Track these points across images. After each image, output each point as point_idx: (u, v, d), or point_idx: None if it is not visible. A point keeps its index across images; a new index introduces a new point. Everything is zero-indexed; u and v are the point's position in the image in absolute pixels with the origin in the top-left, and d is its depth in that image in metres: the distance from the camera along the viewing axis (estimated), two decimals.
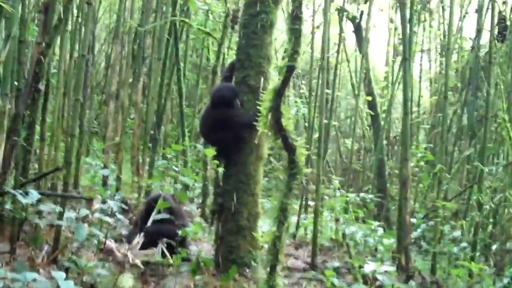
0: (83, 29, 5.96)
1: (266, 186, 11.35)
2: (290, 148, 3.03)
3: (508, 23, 6.21)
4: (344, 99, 16.02)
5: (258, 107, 4.92)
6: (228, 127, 4.91)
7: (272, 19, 5.12)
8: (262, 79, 5.06)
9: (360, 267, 5.03)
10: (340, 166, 12.51)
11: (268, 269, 3.35)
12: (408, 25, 6.30)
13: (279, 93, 2.88)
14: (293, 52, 2.83)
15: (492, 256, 6.19)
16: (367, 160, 12.15)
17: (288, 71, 2.83)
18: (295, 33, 2.82)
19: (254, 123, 4.44)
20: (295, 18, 2.81)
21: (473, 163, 7.13)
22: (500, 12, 6.10)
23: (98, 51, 11.98)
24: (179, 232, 4.60)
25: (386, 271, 4.46)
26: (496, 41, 6.00)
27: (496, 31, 5.96)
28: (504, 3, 6.88)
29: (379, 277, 4.24)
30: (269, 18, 5.08)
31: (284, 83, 2.86)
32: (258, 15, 5.03)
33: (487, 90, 6.08)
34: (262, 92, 5.01)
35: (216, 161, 4.80)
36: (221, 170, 4.73)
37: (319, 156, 6.04)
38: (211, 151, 4.53)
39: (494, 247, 6.05)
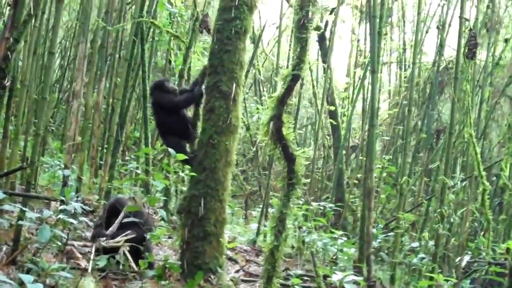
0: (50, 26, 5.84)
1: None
2: (290, 158, 3.01)
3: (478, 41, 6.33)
4: (304, 107, 16.08)
5: (229, 113, 4.97)
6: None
7: (246, 26, 5.11)
8: (234, 85, 5.04)
9: (326, 276, 5.05)
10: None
11: (265, 279, 3.29)
12: (377, 38, 6.37)
13: (282, 101, 2.86)
14: (298, 61, 2.82)
15: (455, 267, 6.28)
16: (325, 169, 12.21)
17: (293, 80, 2.82)
18: (301, 42, 2.81)
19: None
20: (301, 27, 2.79)
21: (431, 176, 7.24)
22: (471, 29, 6.20)
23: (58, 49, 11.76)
24: (147, 237, 4.52)
25: (353, 281, 4.47)
26: (466, 58, 6.09)
27: (466, 48, 6.04)
28: (466, 20, 6.98)
29: (347, 286, 4.24)
30: (244, 24, 5.06)
31: (288, 91, 2.84)
32: (233, 21, 5.01)
33: (452, 105, 6.18)
34: (233, 98, 5.03)
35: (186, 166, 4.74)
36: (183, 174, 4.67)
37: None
38: (182, 156, 4.47)
39: (458, 259, 6.14)
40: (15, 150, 5.49)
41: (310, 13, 2.82)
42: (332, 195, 9.74)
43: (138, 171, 6.87)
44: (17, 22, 4.79)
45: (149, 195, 7.48)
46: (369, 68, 6.59)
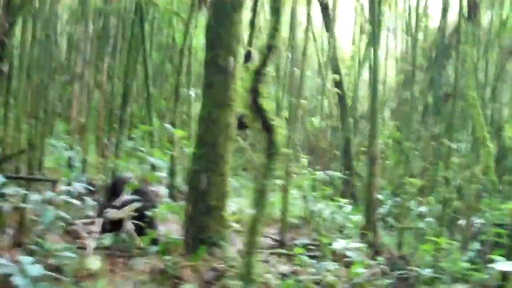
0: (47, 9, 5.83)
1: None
2: (268, 129, 3.00)
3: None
4: (312, 78, 16.01)
5: (228, 88, 4.95)
6: None
7: None
8: (231, 58, 5.01)
9: (329, 244, 5.07)
10: (307, 144, 12.51)
11: (246, 250, 3.30)
12: (376, 6, 6.32)
13: (258, 73, 2.84)
14: (273, 31, 2.80)
15: (459, 230, 6.28)
16: (333, 138, 12.18)
17: (268, 50, 2.80)
18: (274, 12, 2.79)
19: None
20: None
21: (438, 140, 7.20)
22: None
23: (60, 32, 11.72)
24: (149, 213, 4.56)
25: (356, 248, 4.50)
26: (467, 19, 6.00)
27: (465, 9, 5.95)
28: None
29: (349, 253, 4.27)
30: None
31: (264, 62, 2.82)
32: None
33: (456, 69, 6.11)
34: (231, 73, 5.00)
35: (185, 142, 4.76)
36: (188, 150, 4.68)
37: (287, 134, 6.03)
38: (180, 132, 4.48)
39: (460, 221, 6.13)
40: (16, 135, 5.52)
41: None
42: (340, 164, 9.76)
43: (143, 149, 6.90)
44: (12, 8, 4.81)
45: (150, 173, 7.55)
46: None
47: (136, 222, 4.71)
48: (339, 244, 4.33)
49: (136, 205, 4.76)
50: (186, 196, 5.11)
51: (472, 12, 5.92)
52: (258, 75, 2.86)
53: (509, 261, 4.30)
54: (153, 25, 9.06)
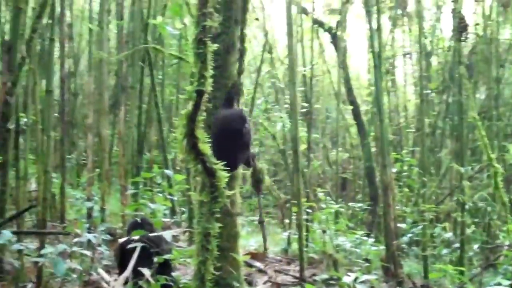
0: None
1: None
2: (209, 172, 3.00)
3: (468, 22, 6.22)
4: (334, 110, 16.06)
5: None
6: None
7: (234, 40, 5.13)
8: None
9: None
10: (332, 176, 12.47)
11: None
12: (376, 34, 6.34)
13: (191, 118, 2.86)
14: (200, 77, 2.82)
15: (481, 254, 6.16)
16: (358, 169, 12.13)
17: (198, 96, 2.82)
18: (200, 58, 2.81)
19: None
20: (199, 43, 2.80)
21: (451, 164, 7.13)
22: (458, 12, 6.11)
23: (80, 85, 11.97)
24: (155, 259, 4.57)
25: (367, 280, 4.44)
26: (457, 41, 6.00)
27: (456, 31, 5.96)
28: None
29: (358, 287, 4.21)
30: (231, 38, 5.08)
31: (196, 107, 2.84)
32: (220, 36, 5.04)
33: (459, 91, 6.09)
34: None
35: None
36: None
37: (297, 170, 6.02)
38: (179, 176, 4.51)
39: (475, 246, 6.02)
40: (23, 189, 5.62)
41: (208, 28, 2.81)
42: (364, 194, 9.69)
43: (160, 195, 6.96)
44: (12, 66, 4.94)
45: (175, 217, 7.60)
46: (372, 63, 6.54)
47: (142, 270, 4.71)
48: (348, 278, 4.27)
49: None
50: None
51: (462, 33, 5.90)
52: (191, 121, 2.87)
53: None
54: (164, 70, 9.20)
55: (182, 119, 2.89)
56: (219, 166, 3.00)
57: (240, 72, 4.97)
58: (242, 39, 4.96)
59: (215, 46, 2.91)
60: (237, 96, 4.98)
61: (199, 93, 2.83)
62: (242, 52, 4.99)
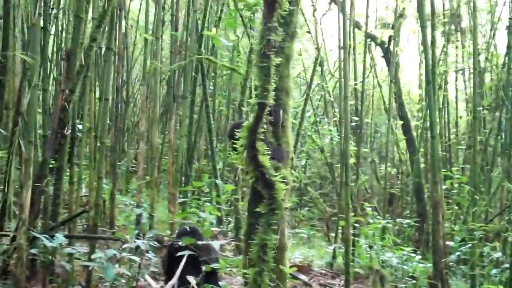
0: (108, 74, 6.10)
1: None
2: (268, 184, 3.03)
3: None
4: (383, 124, 15.96)
5: (279, 140, 5.02)
6: None
7: (289, 53, 5.15)
8: (281, 111, 5.08)
9: None
10: (380, 192, 12.38)
11: None
12: (430, 49, 6.30)
13: (253, 130, 2.90)
14: (262, 90, 2.86)
15: None
16: (406, 184, 12.01)
17: (260, 108, 2.86)
18: (263, 71, 2.86)
19: None
20: (262, 56, 2.85)
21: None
22: None
23: (132, 94, 12.21)
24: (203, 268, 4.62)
25: None
26: None
27: None
28: None
29: None
30: (285, 52, 5.11)
31: (257, 120, 2.88)
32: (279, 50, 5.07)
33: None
34: (282, 125, 5.06)
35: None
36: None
37: (346, 184, 6.01)
38: (229, 187, 4.56)
39: None
40: (75, 194, 5.75)
41: (272, 41, 2.85)
42: (412, 211, 9.58)
43: (208, 204, 7.04)
44: (71, 74, 5.08)
45: (221, 227, 7.67)
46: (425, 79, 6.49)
47: (190, 278, 4.76)
48: None
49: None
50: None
51: None
52: (252, 133, 2.91)
53: None
54: (216, 80, 9.32)
55: (244, 131, 2.94)
56: (278, 178, 3.04)
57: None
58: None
59: (278, 60, 2.96)
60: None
61: (261, 106, 2.87)
62: None
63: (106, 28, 6.31)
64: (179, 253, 4.67)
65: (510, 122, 9.38)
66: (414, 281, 6.35)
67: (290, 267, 5.56)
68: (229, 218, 8.31)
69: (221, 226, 7.64)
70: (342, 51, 6.56)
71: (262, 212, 3.16)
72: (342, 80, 6.74)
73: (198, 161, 9.04)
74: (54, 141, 4.99)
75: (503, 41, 11.33)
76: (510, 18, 6.39)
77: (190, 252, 4.65)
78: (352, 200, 7.84)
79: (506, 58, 9.05)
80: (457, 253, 7.16)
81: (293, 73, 5.57)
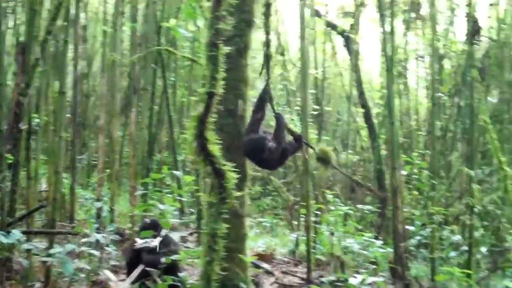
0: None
1: None
2: (218, 173, 3.04)
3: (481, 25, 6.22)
4: (345, 112, 16.07)
5: (238, 130, 5.02)
6: None
7: (247, 42, 5.15)
8: (240, 102, 5.08)
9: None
10: (342, 179, 12.47)
11: None
12: (389, 37, 6.36)
13: (202, 120, 2.90)
14: (211, 79, 2.86)
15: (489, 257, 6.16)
16: (368, 171, 12.13)
17: (209, 98, 2.86)
18: (212, 60, 2.86)
19: None
20: (211, 45, 2.84)
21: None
22: (471, 15, 6.10)
23: (92, 87, 12.07)
24: (163, 260, 4.61)
25: (374, 282, 4.47)
26: (472, 45, 6.00)
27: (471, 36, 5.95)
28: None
29: None
30: (243, 41, 5.11)
31: (206, 109, 2.88)
32: (232, 39, 5.06)
33: (471, 95, 6.09)
34: (241, 115, 5.07)
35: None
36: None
37: (306, 172, 6.05)
38: (188, 178, 4.55)
39: (482, 248, 6.02)
40: (33, 189, 5.67)
41: (220, 31, 2.86)
42: (373, 197, 9.68)
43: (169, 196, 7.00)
44: (26, 68, 5.01)
45: (183, 218, 7.65)
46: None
47: (149, 269, 4.76)
48: (355, 280, 4.29)
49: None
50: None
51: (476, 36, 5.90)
52: (201, 122, 2.91)
53: None
54: (177, 72, 9.25)
55: (193, 120, 2.93)
56: (227, 167, 3.04)
57: (269, 77, 4.98)
58: (268, 44, 4.96)
59: (227, 49, 2.95)
60: (268, 101, 5.00)
61: (210, 95, 2.87)
62: (269, 58, 5.00)
63: (63, 21, 6.23)
64: (139, 246, 4.66)
65: (469, 107, 9.54)
66: (375, 266, 6.42)
67: (252, 256, 5.62)
68: (191, 210, 8.29)
69: (183, 218, 7.62)
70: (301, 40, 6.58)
71: (213, 201, 3.15)
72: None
73: (159, 153, 9.00)
74: (10, 136, 4.92)
75: (461, 28, 11.51)
76: (466, 5, 6.45)
77: (150, 246, 4.63)
78: (314, 188, 7.92)
79: (465, 45, 9.19)
80: (417, 237, 7.27)
81: (255, 63, 5.58)
